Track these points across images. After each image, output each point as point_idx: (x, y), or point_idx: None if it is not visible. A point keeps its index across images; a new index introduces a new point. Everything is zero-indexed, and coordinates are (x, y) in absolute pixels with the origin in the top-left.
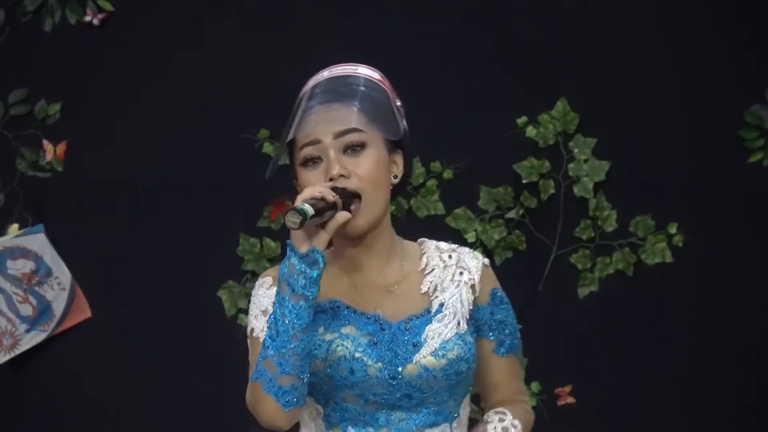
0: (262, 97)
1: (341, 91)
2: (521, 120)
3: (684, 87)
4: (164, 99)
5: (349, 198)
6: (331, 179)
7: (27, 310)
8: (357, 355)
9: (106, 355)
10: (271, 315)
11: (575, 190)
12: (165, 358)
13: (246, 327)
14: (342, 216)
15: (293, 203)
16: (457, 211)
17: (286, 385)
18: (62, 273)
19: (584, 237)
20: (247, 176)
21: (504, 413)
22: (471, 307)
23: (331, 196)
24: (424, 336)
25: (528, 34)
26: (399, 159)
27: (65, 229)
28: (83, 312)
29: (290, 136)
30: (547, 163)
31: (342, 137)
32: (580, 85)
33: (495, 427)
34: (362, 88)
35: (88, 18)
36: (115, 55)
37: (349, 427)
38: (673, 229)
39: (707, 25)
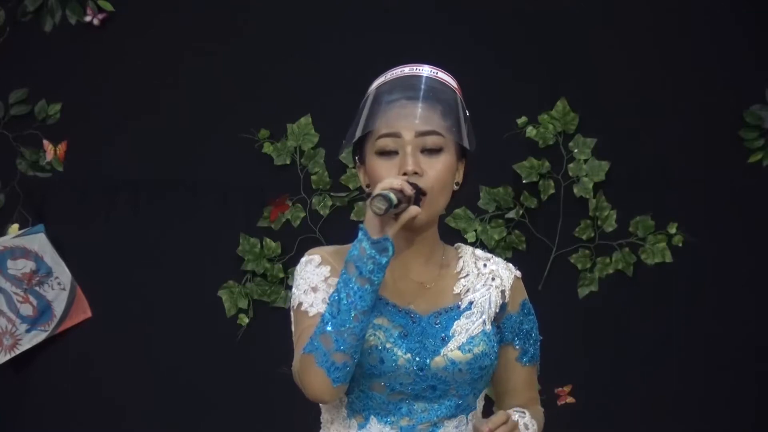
0: (262, 97)
1: (426, 90)
2: (521, 120)
3: (684, 87)
4: (164, 99)
5: (419, 195)
6: (404, 174)
7: (27, 310)
8: (388, 345)
9: (106, 355)
10: (333, 293)
11: (575, 190)
12: (165, 357)
13: (292, 300)
14: (414, 210)
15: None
16: (457, 211)
17: (339, 361)
18: (62, 273)
19: (584, 237)
20: (247, 176)
21: (523, 412)
22: (497, 310)
23: (409, 190)
24: (452, 330)
25: (528, 34)
26: (462, 167)
27: (65, 229)
28: (83, 312)
29: (374, 126)
30: (547, 163)
31: (423, 137)
32: (580, 85)
33: (516, 419)
34: (445, 93)
35: (88, 18)
36: (115, 55)
37: (372, 416)
38: (673, 229)
39: (707, 26)
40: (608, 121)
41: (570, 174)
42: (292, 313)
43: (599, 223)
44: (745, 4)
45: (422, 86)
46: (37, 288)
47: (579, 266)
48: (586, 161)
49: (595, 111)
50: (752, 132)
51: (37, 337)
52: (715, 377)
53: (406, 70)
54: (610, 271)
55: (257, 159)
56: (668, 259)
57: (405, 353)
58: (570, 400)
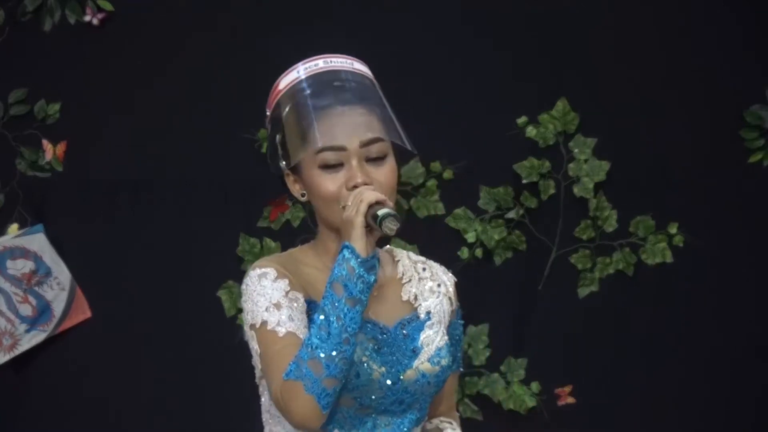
0: (262, 97)
1: (356, 91)
2: (521, 120)
3: (684, 87)
4: (164, 99)
5: None
6: (354, 187)
7: (27, 310)
8: (363, 359)
9: (106, 355)
10: (318, 315)
11: (575, 190)
12: (165, 358)
13: (250, 317)
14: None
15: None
16: (457, 211)
17: (330, 387)
18: (62, 273)
19: (584, 237)
20: (247, 176)
21: (452, 423)
22: (449, 318)
23: (386, 200)
24: (420, 342)
25: (528, 34)
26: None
27: (65, 229)
28: (83, 312)
29: (318, 144)
30: (547, 163)
31: (369, 146)
32: (581, 85)
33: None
34: (370, 89)
35: (87, 18)
36: (115, 54)
37: (335, 430)
38: (673, 229)
39: (707, 26)
40: (608, 121)
41: (570, 174)
42: (252, 332)
43: (599, 223)
44: (745, 4)
45: (350, 85)
46: (36, 288)
47: (579, 266)
48: (586, 161)
49: (595, 111)
50: (752, 132)
51: (37, 337)
52: (715, 377)
53: (320, 63)
54: (611, 271)
55: (257, 159)
56: (669, 259)
57: (380, 367)
58: (570, 400)
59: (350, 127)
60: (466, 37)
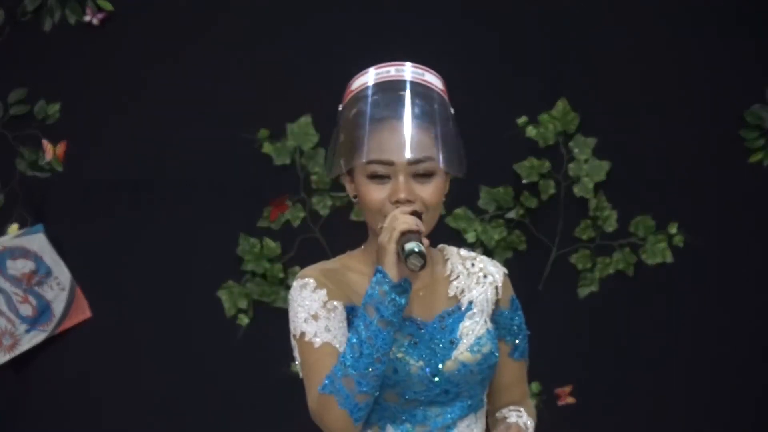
0: (262, 97)
1: (415, 106)
2: (521, 120)
3: (684, 87)
4: (164, 99)
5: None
6: (397, 201)
7: (27, 310)
8: (399, 355)
9: (106, 355)
10: (353, 334)
11: (575, 190)
12: (165, 358)
13: (293, 327)
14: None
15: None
16: (457, 211)
17: (362, 402)
18: (62, 273)
19: (584, 237)
20: (247, 176)
21: (519, 410)
22: (493, 307)
23: (419, 227)
24: (459, 333)
25: (529, 33)
26: (448, 179)
27: (65, 229)
28: (83, 312)
29: (365, 152)
30: (547, 163)
31: (417, 164)
32: (581, 85)
33: (515, 420)
34: (432, 101)
35: (87, 18)
36: (115, 55)
37: (388, 425)
38: (673, 229)
39: (707, 26)
40: (608, 121)
41: (570, 174)
42: (294, 342)
43: (599, 223)
44: (745, 4)
45: (412, 99)
46: (36, 288)
47: (579, 266)
48: (586, 161)
49: (595, 111)
50: (752, 132)
51: (37, 337)
52: (715, 377)
53: (392, 71)
54: (611, 271)
55: (257, 159)
56: (669, 259)
57: (417, 361)
58: (570, 400)
59: (401, 143)
60: (466, 37)
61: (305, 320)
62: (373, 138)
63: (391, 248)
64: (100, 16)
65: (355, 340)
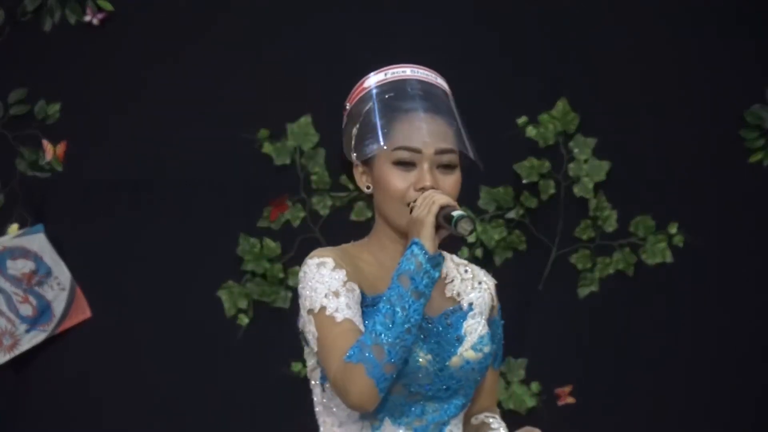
0: (262, 97)
1: (438, 103)
2: (521, 120)
3: (684, 87)
4: (164, 99)
5: None
6: (422, 189)
7: (27, 310)
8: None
9: (106, 355)
10: (384, 304)
11: (575, 190)
12: (165, 358)
13: (308, 302)
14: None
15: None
16: None
17: (389, 372)
18: (62, 273)
19: (584, 237)
20: (247, 176)
21: (495, 417)
22: (489, 312)
23: (455, 204)
24: (463, 330)
25: (529, 33)
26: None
27: (65, 229)
28: (83, 312)
29: (394, 137)
30: (547, 163)
31: (442, 155)
32: (581, 85)
33: (497, 428)
34: (447, 103)
35: (87, 18)
36: (115, 55)
37: (386, 418)
38: (673, 229)
39: (708, 26)
40: (608, 121)
41: (570, 174)
42: (311, 317)
43: (599, 223)
44: (745, 4)
45: (433, 97)
46: (36, 288)
47: (579, 266)
48: (586, 161)
49: (595, 111)
50: (752, 132)
51: (37, 337)
52: (715, 377)
53: (408, 71)
54: (611, 271)
55: (257, 159)
56: (669, 259)
57: (426, 354)
58: (570, 400)
59: (429, 132)
60: (466, 37)
61: (326, 296)
62: (402, 125)
63: (430, 221)
64: (100, 16)
65: (388, 309)
